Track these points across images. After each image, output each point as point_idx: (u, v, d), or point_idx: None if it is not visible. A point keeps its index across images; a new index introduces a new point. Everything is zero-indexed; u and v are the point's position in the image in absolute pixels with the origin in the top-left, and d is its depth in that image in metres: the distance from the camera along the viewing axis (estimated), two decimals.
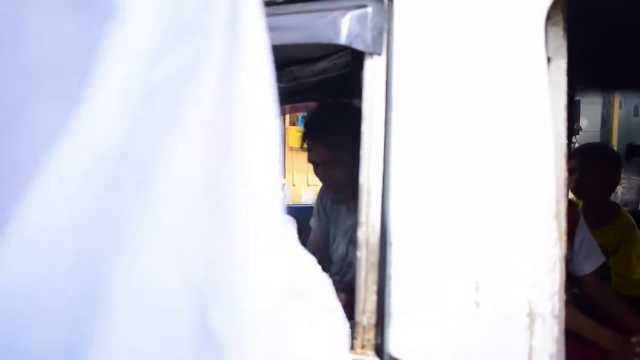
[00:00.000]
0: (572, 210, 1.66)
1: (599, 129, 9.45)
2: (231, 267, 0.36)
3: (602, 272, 2.01)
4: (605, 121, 9.37)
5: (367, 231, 0.80)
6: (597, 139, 8.11)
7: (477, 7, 0.81)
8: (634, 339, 1.42)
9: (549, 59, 0.82)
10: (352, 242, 1.73)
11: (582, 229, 1.64)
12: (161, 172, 0.32)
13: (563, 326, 0.76)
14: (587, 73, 1.87)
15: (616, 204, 2.15)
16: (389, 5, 0.85)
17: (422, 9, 0.83)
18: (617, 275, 2.05)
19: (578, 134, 9.01)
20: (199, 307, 0.34)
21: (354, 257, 1.62)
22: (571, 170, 1.99)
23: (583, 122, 9.43)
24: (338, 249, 1.82)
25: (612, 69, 2.01)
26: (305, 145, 1.70)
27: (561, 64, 0.83)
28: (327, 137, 1.59)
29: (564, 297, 0.78)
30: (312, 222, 1.95)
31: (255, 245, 0.37)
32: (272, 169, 0.38)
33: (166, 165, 0.32)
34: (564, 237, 0.80)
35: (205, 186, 0.35)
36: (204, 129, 0.34)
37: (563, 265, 0.78)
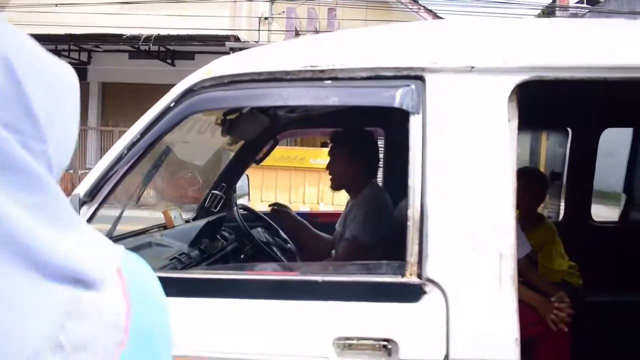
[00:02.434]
0: None
1: (528, 157, 10.55)
2: None
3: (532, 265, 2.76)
4: (534, 151, 10.48)
5: (413, 211, 1.45)
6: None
7: (471, 91, 1.49)
8: (552, 299, 2.15)
9: (509, 120, 1.50)
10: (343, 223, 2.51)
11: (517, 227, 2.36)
12: None
13: (515, 263, 1.43)
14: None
15: (541, 214, 2.92)
16: (422, 85, 1.52)
17: (441, 87, 1.51)
18: (543, 266, 2.80)
19: None
20: None
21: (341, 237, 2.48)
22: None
23: None
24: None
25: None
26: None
27: (514, 123, 1.51)
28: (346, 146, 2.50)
29: (515, 250, 1.45)
30: (336, 226, 2.68)
31: None
32: None
33: None
34: (515, 218, 1.48)
35: None
36: None
37: (515, 233, 1.45)
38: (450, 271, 1.42)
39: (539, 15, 14.60)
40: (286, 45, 1.83)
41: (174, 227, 2.81)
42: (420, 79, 1.52)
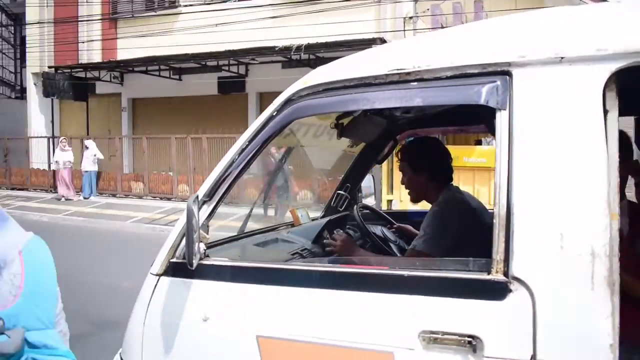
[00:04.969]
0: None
1: None
2: None
3: None
4: None
5: (499, 208, 1.44)
6: None
7: (562, 83, 1.43)
8: None
9: (607, 111, 1.41)
10: None
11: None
12: None
13: (615, 262, 1.34)
14: None
15: None
16: (509, 80, 1.49)
17: (530, 82, 1.47)
18: None
19: None
20: None
21: None
22: None
23: None
24: None
25: None
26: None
27: (614, 114, 1.42)
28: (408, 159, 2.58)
29: (615, 246, 1.35)
30: None
31: None
32: None
33: None
34: (617, 217, 1.38)
35: None
36: None
37: (615, 231, 1.36)
38: (537, 270, 1.39)
39: None
40: (375, 51, 1.89)
41: (300, 224, 3.02)
42: (507, 74, 1.49)
